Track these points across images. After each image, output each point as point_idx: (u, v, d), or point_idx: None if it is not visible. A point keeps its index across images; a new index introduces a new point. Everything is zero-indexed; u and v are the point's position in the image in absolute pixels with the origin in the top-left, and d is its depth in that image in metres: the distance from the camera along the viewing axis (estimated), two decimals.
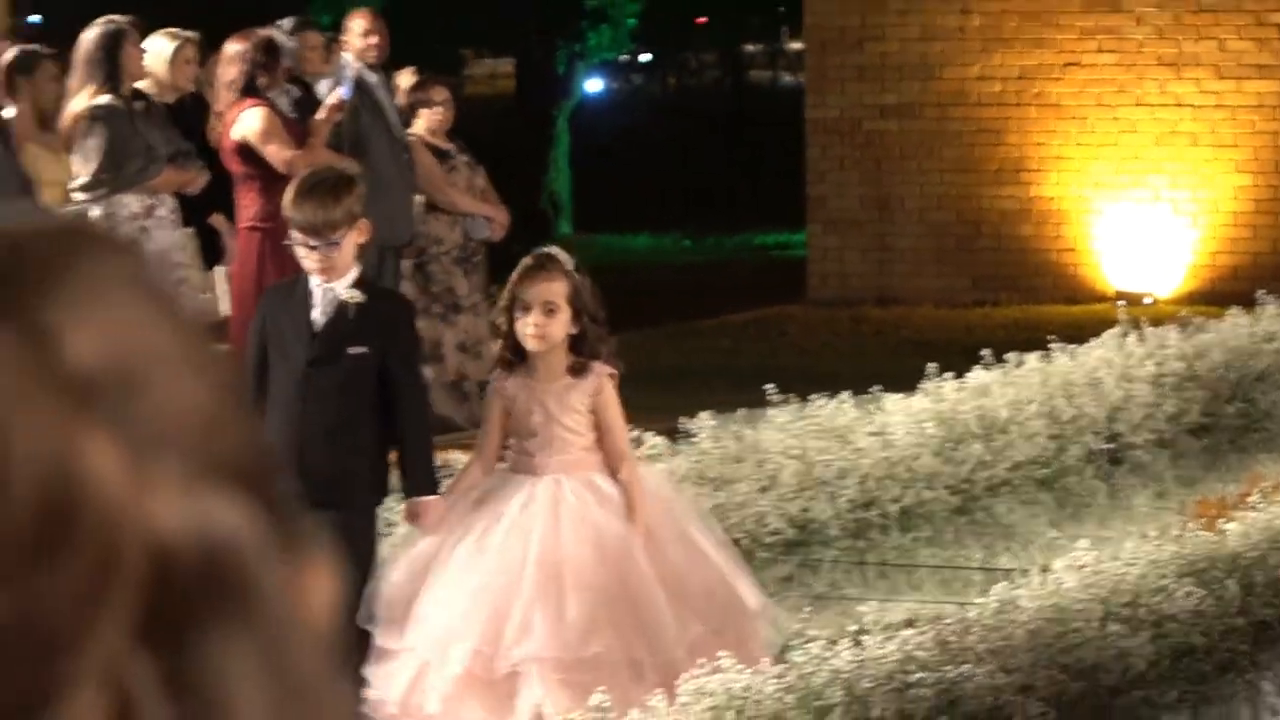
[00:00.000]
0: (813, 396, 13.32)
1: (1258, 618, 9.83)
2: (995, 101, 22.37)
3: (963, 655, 8.74)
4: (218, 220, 14.48)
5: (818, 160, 23.22)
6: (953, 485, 13.41)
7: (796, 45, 39.24)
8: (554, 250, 9.24)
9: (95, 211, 13.27)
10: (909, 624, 9.60)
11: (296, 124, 14.17)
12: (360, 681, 8.69)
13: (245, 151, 13.92)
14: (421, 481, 9.00)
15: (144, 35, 14.16)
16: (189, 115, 14.47)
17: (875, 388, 13.80)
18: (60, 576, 1.24)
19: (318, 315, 8.91)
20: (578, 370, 8.89)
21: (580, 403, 8.85)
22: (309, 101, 14.54)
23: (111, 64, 13.55)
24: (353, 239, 8.97)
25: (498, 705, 8.65)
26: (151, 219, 13.69)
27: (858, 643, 8.92)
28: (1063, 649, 9.04)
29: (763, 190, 31.88)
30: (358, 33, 15.19)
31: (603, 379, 8.93)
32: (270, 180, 13.93)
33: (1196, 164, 22.02)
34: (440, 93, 15.97)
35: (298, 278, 9.17)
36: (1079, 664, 9.03)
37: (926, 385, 13.90)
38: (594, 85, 37.09)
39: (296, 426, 8.77)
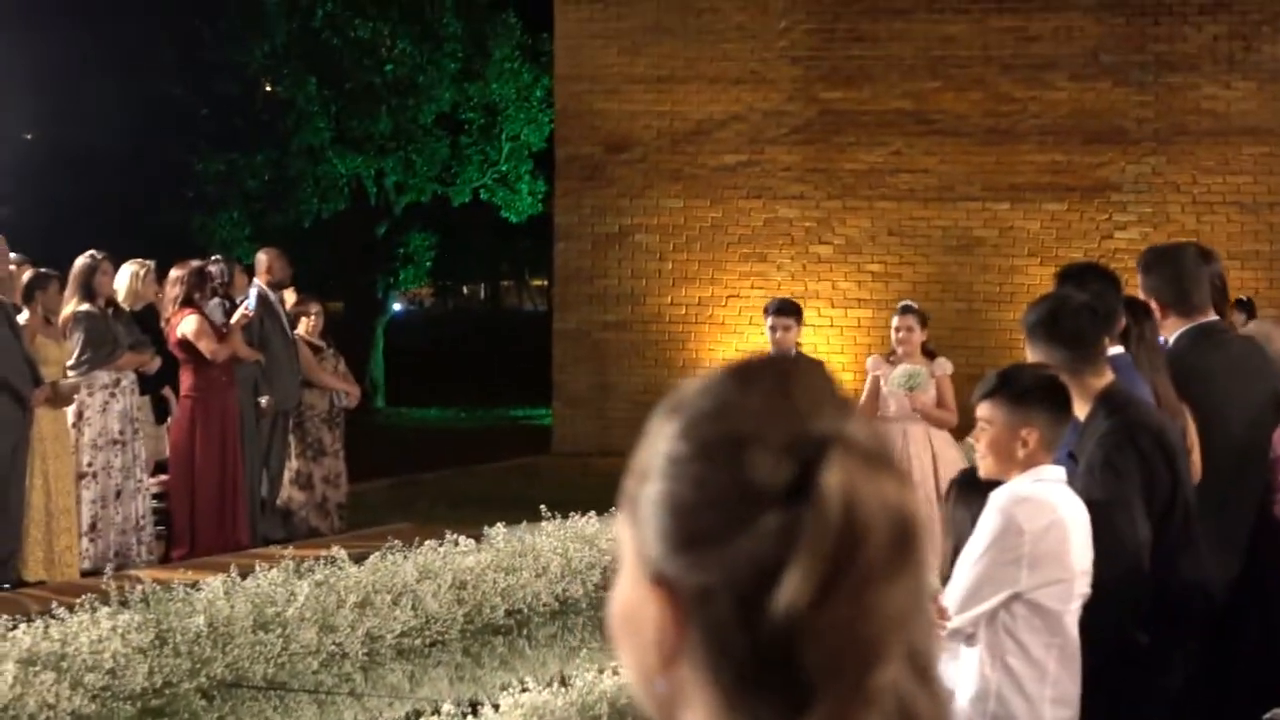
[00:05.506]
0: (571, 514, 13.44)
1: None
2: (680, 320, 22.70)
3: None
4: (167, 391, 14.50)
5: (560, 358, 23.38)
6: None
7: (537, 282, 39.58)
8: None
9: (80, 383, 13.33)
10: None
11: (221, 327, 14.23)
12: None
13: (185, 344, 13.99)
14: None
15: (116, 265, 14.04)
16: (149, 318, 14.40)
17: (611, 509, 13.87)
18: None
19: None
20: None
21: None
22: (231, 311, 14.58)
23: (89, 284, 13.58)
24: None
25: None
26: (118, 388, 13.66)
27: (616, 673, 8.95)
28: None
29: (514, 378, 32.14)
30: (263, 266, 15.28)
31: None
32: (201, 364, 14.04)
33: None
34: (314, 306, 16.05)
35: None
36: None
37: None
38: (398, 305, 37.27)
39: None
